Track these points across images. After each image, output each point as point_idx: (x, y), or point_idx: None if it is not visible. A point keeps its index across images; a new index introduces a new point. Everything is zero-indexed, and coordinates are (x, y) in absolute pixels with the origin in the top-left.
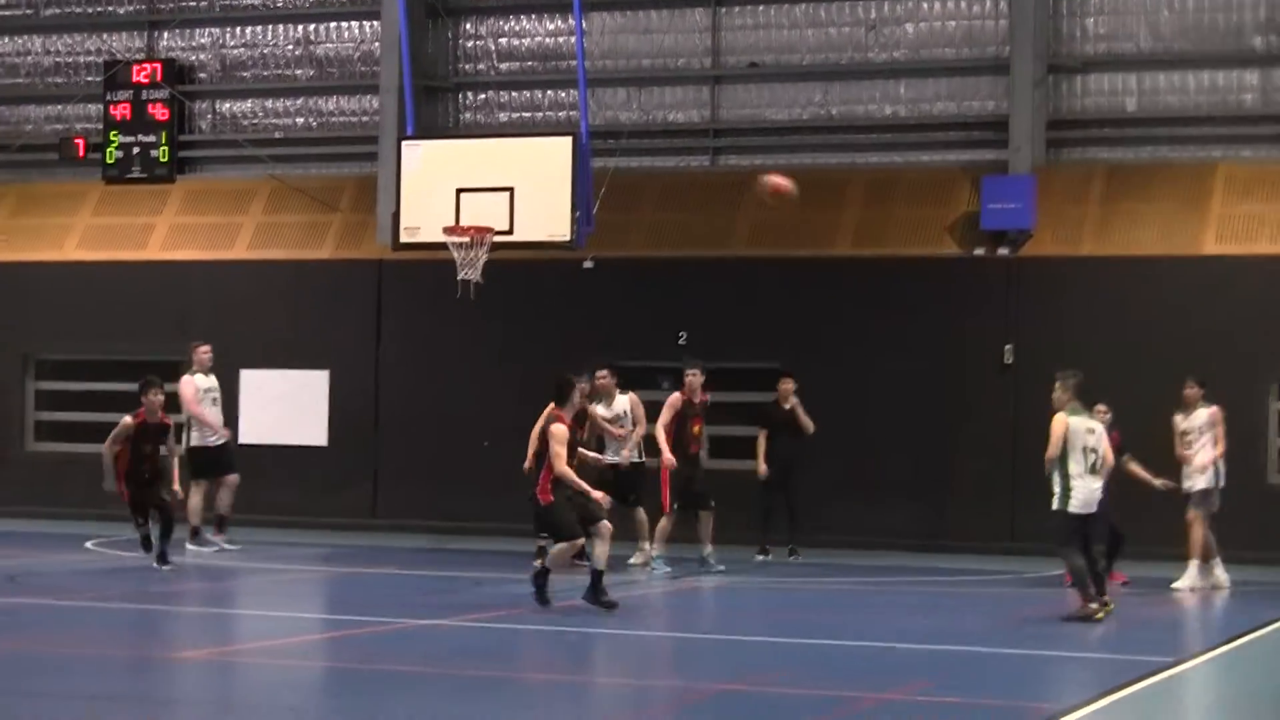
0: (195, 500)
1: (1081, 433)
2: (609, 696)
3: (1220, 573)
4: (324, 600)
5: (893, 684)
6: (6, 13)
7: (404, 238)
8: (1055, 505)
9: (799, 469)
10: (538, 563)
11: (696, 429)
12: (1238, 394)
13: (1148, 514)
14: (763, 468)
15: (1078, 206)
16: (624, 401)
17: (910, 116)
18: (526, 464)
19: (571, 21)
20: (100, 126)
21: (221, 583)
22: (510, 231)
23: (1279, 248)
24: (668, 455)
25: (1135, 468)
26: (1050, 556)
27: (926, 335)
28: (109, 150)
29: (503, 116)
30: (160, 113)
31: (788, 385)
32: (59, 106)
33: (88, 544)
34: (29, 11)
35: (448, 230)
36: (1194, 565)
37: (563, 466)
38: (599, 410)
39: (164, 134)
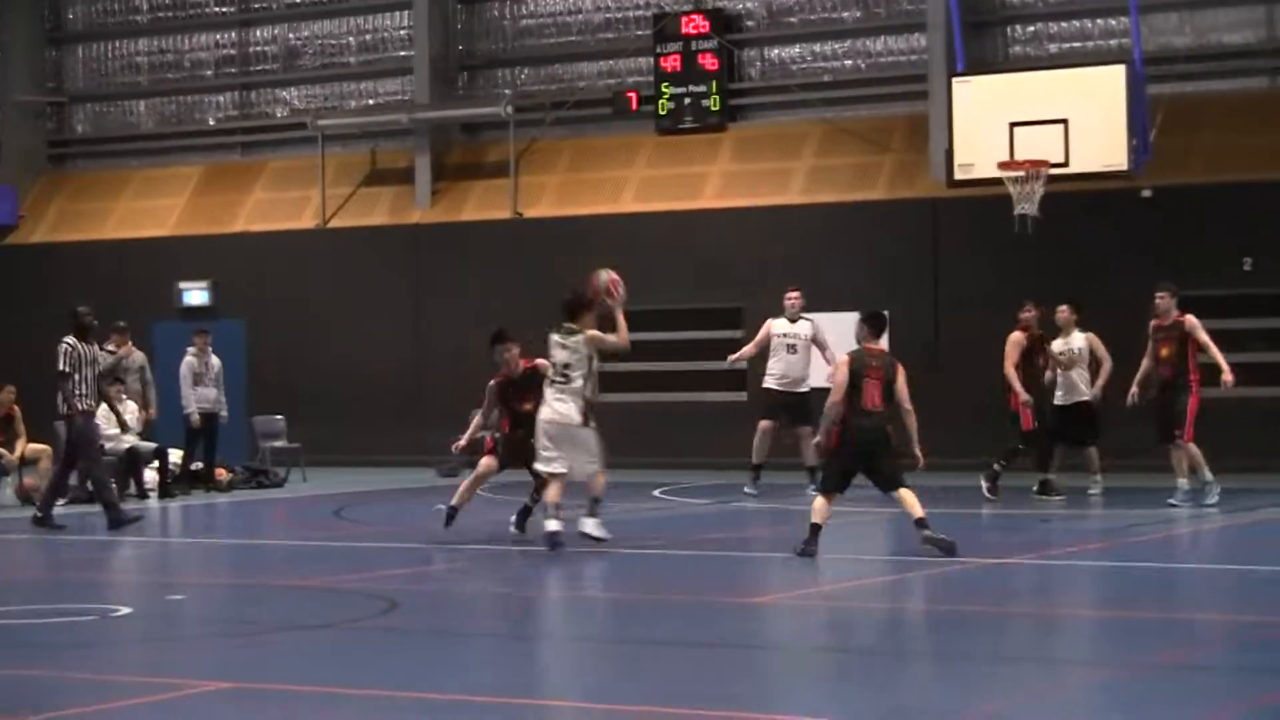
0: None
1: None
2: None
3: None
4: (886, 541)
5: None
6: None
7: (958, 174)
8: None
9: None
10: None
11: (1165, 351)
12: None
13: None
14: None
15: None
16: (1080, 339)
17: None
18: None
19: None
20: (651, 79)
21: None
22: (1066, 163)
23: None
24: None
25: None
26: None
27: None
28: (661, 102)
29: (1052, 48)
30: (710, 62)
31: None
32: (611, 61)
33: (655, 492)
34: None
35: (1003, 165)
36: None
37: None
38: (1056, 345)
39: (714, 83)
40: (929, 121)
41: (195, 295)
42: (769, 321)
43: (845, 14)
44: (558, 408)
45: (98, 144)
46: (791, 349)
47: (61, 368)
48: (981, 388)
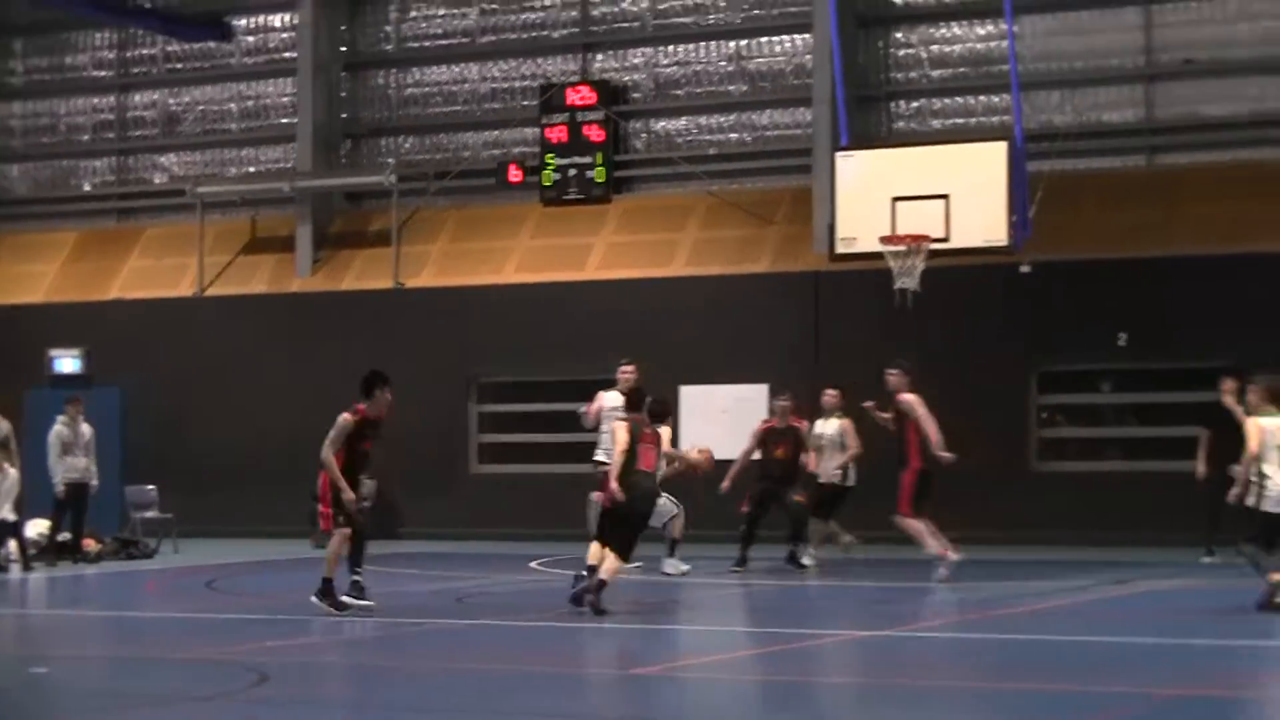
0: None
1: None
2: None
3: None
4: (762, 613)
5: None
6: (445, 42)
7: (841, 248)
8: None
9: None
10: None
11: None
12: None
13: None
14: (1201, 468)
15: None
16: (835, 424)
17: None
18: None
19: (1003, 25)
20: (537, 150)
21: (664, 598)
22: (947, 238)
23: None
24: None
25: None
26: None
27: None
28: (546, 173)
29: (935, 123)
30: (596, 134)
31: (1229, 385)
32: (496, 131)
33: (532, 564)
34: (466, 40)
35: (885, 239)
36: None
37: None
38: (817, 427)
39: (600, 154)
40: (813, 195)
41: (67, 363)
42: (601, 394)
43: (731, 87)
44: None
45: None
46: None
47: None
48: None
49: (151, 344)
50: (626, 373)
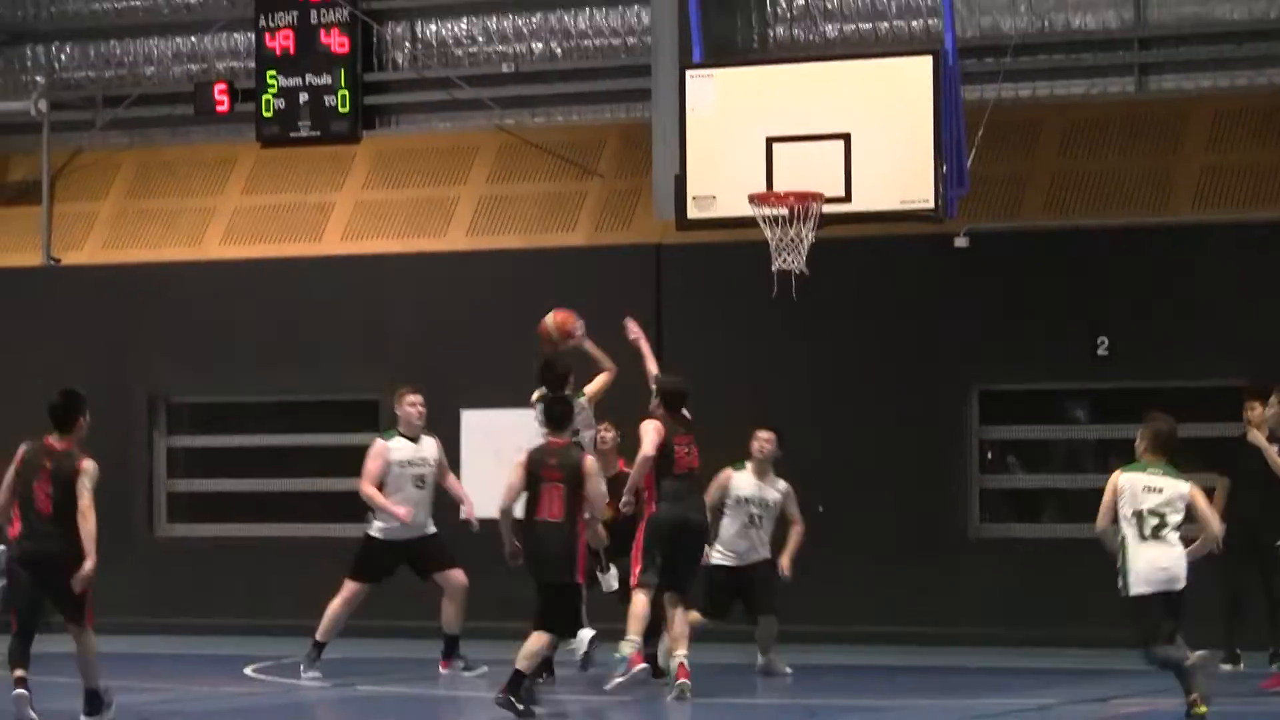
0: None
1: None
2: None
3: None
4: None
5: None
6: None
7: (693, 211)
8: None
9: (1274, 532)
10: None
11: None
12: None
13: None
14: (1219, 529)
15: None
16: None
17: None
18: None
19: None
20: (252, 65)
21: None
22: (847, 198)
23: None
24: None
25: None
26: None
27: None
28: (265, 98)
29: (830, 29)
30: (338, 42)
31: (1256, 411)
32: (192, 38)
33: (247, 669)
34: None
35: (757, 198)
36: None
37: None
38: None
39: (343, 72)
40: (652, 133)
41: None
42: (382, 443)
43: None
44: None
45: None
46: (419, 481)
47: None
48: None
49: None
50: (414, 402)
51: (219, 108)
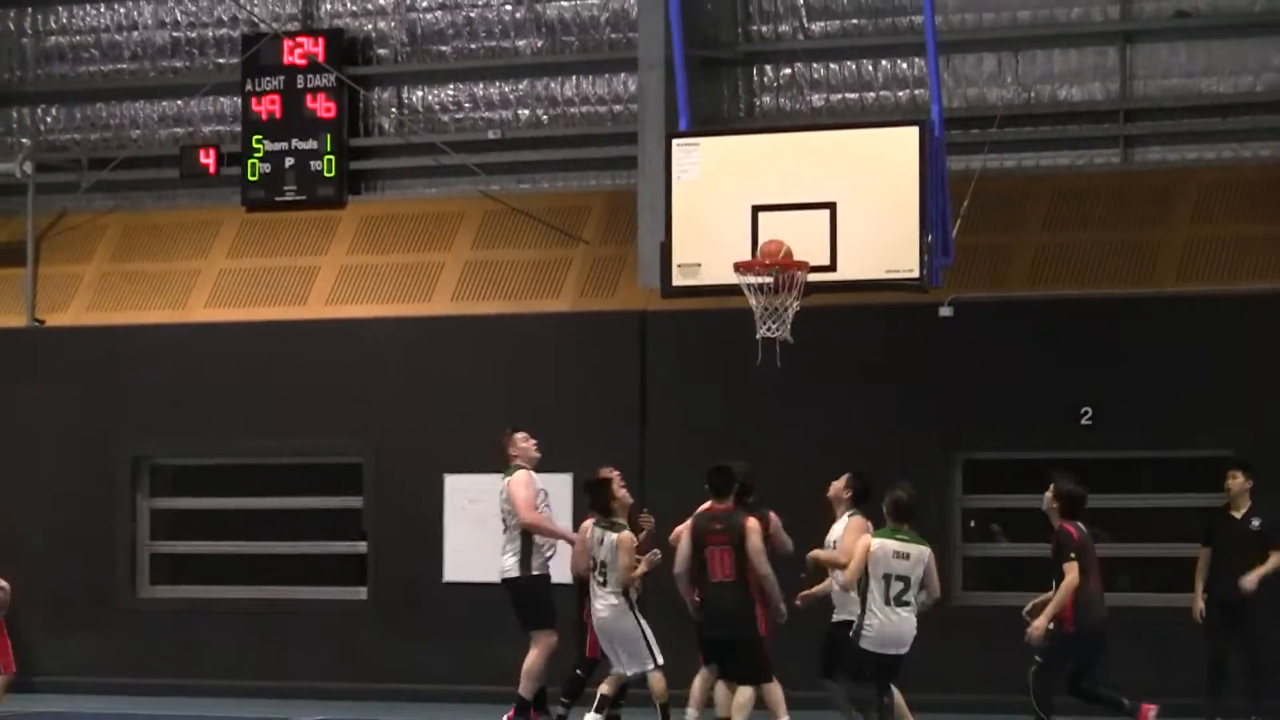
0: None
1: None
2: None
3: None
4: None
5: None
6: None
7: (678, 278)
8: None
9: (1256, 604)
10: None
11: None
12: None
13: None
14: (1199, 603)
15: None
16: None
17: None
18: None
19: None
20: (238, 129)
21: None
22: (832, 267)
23: None
24: None
25: None
26: None
27: None
28: (252, 163)
29: (816, 99)
30: (324, 107)
31: (1236, 481)
32: (179, 102)
33: None
34: None
35: (742, 266)
36: None
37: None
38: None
39: (329, 137)
40: (638, 201)
41: None
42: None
43: (521, 42)
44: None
45: None
46: None
47: None
48: None
49: None
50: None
51: (205, 171)
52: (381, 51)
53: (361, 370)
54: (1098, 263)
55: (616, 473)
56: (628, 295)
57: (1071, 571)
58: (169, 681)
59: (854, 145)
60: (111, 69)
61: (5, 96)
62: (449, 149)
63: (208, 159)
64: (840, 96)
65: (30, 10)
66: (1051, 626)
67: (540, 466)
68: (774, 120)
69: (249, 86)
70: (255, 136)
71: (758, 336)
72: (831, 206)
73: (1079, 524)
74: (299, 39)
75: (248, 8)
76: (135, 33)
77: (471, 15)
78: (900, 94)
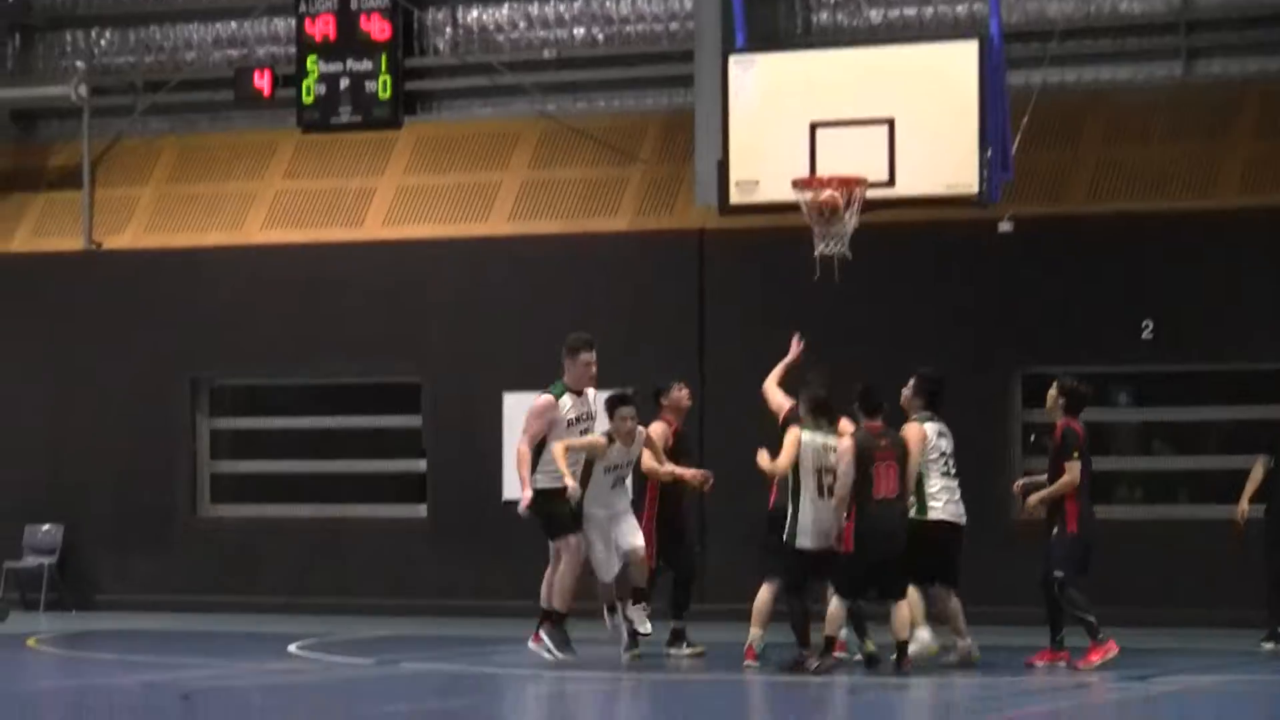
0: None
1: None
2: None
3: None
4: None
5: None
6: None
7: (735, 196)
8: None
9: None
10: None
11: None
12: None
13: None
14: (1243, 508)
15: None
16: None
17: None
18: None
19: None
20: (292, 50)
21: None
22: (890, 183)
23: None
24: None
25: None
26: None
27: None
28: (306, 84)
29: (874, 15)
30: (378, 27)
31: None
32: (233, 24)
33: (291, 647)
34: None
35: (800, 183)
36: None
37: None
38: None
39: (384, 58)
40: (694, 119)
41: None
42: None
43: None
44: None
45: None
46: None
47: None
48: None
49: None
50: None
51: (259, 94)
52: None
53: (419, 290)
54: (1159, 177)
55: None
56: (685, 214)
57: (1073, 470)
58: (229, 599)
59: (912, 61)
60: None
61: (59, 20)
62: (505, 69)
63: (262, 81)
64: (898, 12)
65: None
66: (1055, 531)
67: (600, 386)
68: (831, 37)
69: (303, 8)
70: (310, 58)
71: (816, 254)
72: (890, 123)
73: (1081, 423)
74: None
75: None
76: None
77: None
78: (959, 9)
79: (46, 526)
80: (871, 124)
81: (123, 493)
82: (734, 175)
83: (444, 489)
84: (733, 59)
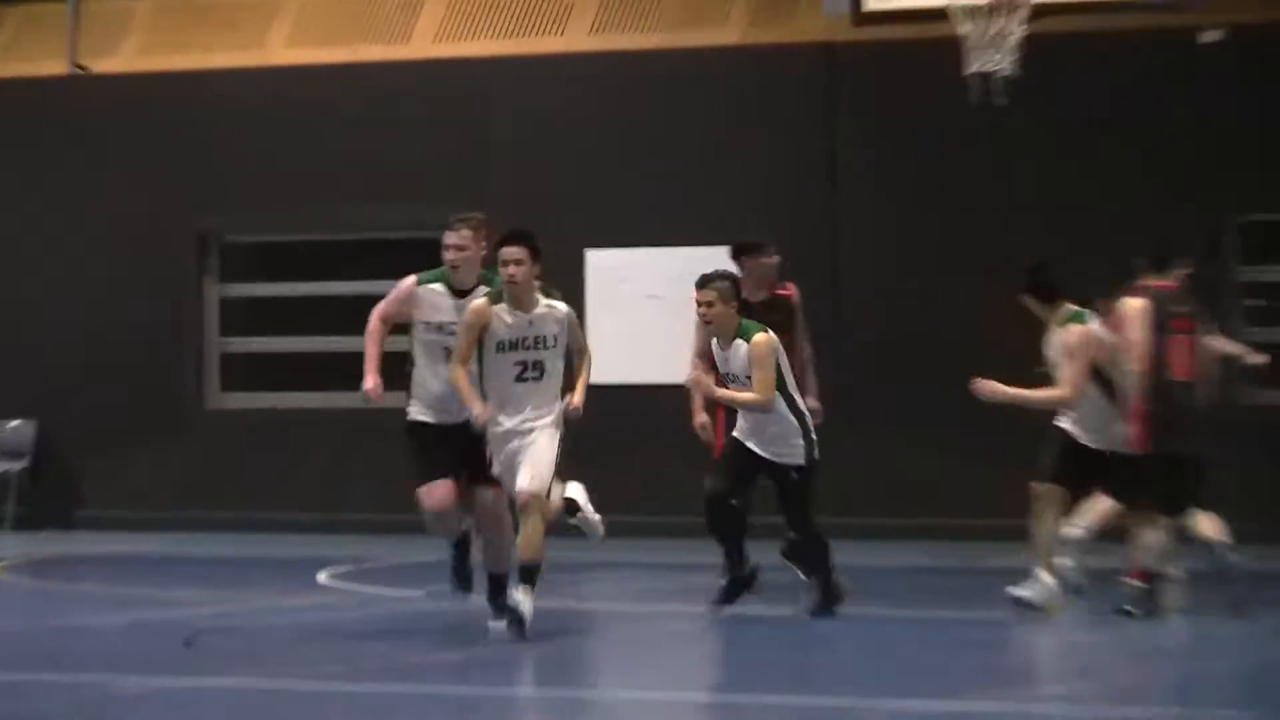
0: None
1: None
2: None
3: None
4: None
5: None
6: None
7: (872, 1)
8: None
9: None
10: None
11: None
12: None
13: None
14: None
15: None
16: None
17: None
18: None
19: None
20: None
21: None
22: None
23: None
24: None
25: None
26: None
27: None
28: None
29: None
30: None
31: None
32: None
33: (320, 575)
34: None
35: None
36: None
37: None
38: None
39: None
40: None
41: None
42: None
43: None
44: None
45: None
46: None
47: None
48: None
49: None
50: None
51: None
52: None
53: (479, 123)
54: None
55: None
56: (810, 23)
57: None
58: (243, 515)
59: None
60: None
61: None
62: None
63: None
64: None
65: None
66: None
67: (704, 239)
68: None
69: None
70: None
71: (972, 71)
72: None
73: None
74: None
75: None
76: None
77: None
78: None
79: (15, 423)
80: None
81: (110, 379)
82: None
83: None
84: None
